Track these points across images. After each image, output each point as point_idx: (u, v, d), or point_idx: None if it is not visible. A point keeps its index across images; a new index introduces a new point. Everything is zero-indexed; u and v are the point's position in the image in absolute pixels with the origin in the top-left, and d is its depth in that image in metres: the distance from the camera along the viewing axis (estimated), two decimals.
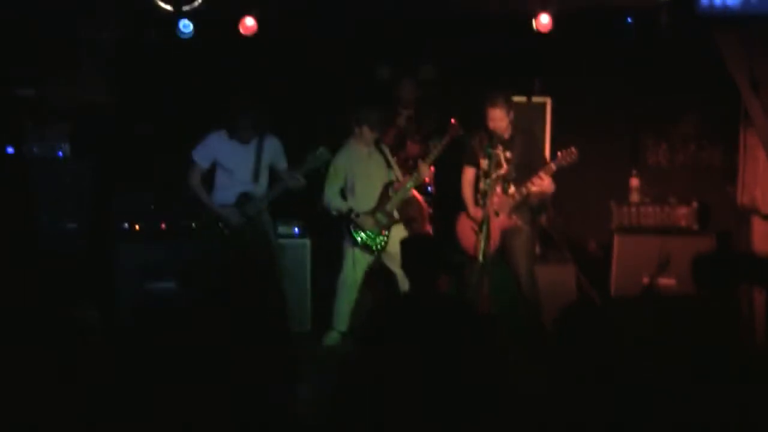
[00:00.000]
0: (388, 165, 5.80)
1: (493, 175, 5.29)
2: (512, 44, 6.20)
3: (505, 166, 5.38)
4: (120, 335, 3.08)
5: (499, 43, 6.25)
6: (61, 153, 6.11)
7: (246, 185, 5.43)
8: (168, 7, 5.47)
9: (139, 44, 6.15)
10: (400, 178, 5.83)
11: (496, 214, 5.35)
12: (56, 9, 5.66)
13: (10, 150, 6.06)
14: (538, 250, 6.02)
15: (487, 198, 5.21)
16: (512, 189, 5.39)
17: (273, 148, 5.50)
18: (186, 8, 5.47)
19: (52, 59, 6.13)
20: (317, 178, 5.66)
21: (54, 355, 2.97)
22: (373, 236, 5.72)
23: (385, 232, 5.72)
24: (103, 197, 6.08)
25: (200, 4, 5.45)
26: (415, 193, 6.13)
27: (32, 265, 5.71)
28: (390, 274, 5.78)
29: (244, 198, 5.43)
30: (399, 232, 5.73)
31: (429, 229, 6.29)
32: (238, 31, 5.81)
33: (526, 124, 5.65)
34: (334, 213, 5.74)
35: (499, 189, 5.38)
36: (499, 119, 5.33)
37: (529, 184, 5.30)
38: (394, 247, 5.42)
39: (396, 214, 5.79)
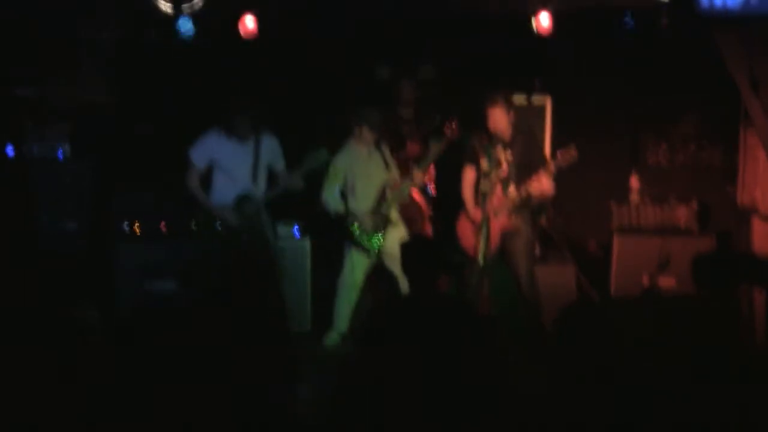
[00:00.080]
0: (387, 166, 5.80)
1: (493, 176, 5.30)
2: (512, 44, 6.20)
3: (505, 166, 5.38)
4: (120, 335, 3.07)
5: (498, 43, 6.25)
6: (61, 153, 6.12)
7: (245, 185, 5.42)
8: (168, 8, 5.46)
9: (139, 44, 6.15)
10: (398, 179, 5.83)
11: (496, 214, 5.35)
12: (56, 9, 5.65)
13: (10, 150, 6.06)
14: (538, 250, 6.02)
15: (487, 198, 5.21)
16: (512, 189, 5.39)
17: (271, 148, 5.49)
18: (186, 8, 5.47)
19: (52, 59, 6.14)
20: (317, 179, 5.66)
21: (54, 355, 2.97)
22: (368, 237, 5.71)
23: (381, 233, 5.72)
24: (103, 197, 6.08)
25: (200, 4, 5.45)
26: (415, 193, 6.13)
27: (32, 265, 5.72)
28: (390, 275, 5.78)
29: (243, 198, 5.42)
30: (399, 233, 5.73)
31: (429, 229, 6.29)
32: (238, 31, 5.81)
33: (526, 125, 5.65)
34: (332, 214, 5.74)
35: (499, 189, 5.38)
36: (499, 119, 5.33)
37: (528, 185, 5.30)
38: (394, 248, 5.42)
39: (393, 216, 5.79)
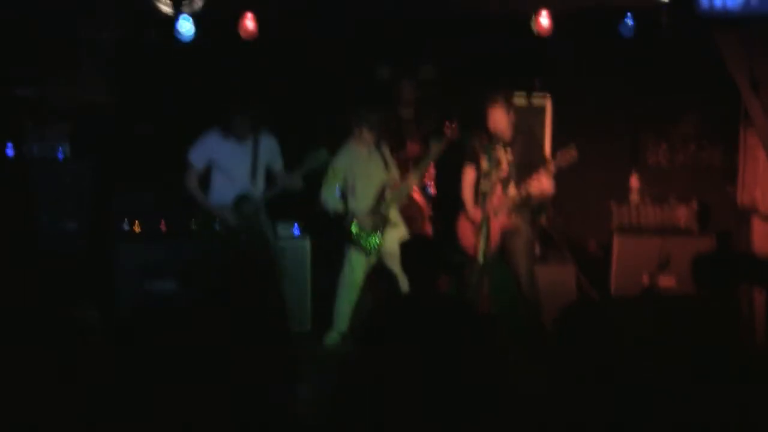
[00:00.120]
0: (387, 166, 5.80)
1: (494, 176, 5.30)
2: (512, 44, 6.20)
3: (505, 166, 5.38)
4: (120, 335, 3.07)
5: (499, 43, 6.25)
6: (61, 153, 6.11)
7: (244, 185, 5.41)
8: (168, 8, 5.46)
9: (139, 44, 6.15)
10: (398, 179, 5.83)
11: (496, 214, 5.35)
12: (56, 9, 5.66)
13: (10, 150, 6.07)
14: (538, 250, 6.02)
15: (487, 198, 5.21)
16: (512, 189, 5.39)
17: (269, 148, 5.48)
18: (186, 8, 5.47)
19: (52, 59, 6.13)
20: (317, 179, 5.66)
21: (54, 355, 2.97)
22: (367, 237, 5.71)
23: (379, 234, 5.72)
24: (103, 197, 6.09)
25: (200, 4, 5.45)
26: (416, 193, 6.13)
27: (32, 265, 5.71)
28: (390, 275, 5.78)
29: (242, 198, 5.41)
30: (399, 233, 5.73)
31: (429, 229, 6.29)
32: (238, 31, 5.81)
33: (526, 125, 5.65)
34: (331, 213, 5.74)
35: (499, 189, 5.38)
36: (499, 119, 5.33)
37: (528, 185, 5.30)
38: (394, 248, 5.42)
39: (393, 215, 5.79)
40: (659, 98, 6.53)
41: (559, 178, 5.32)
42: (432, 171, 6.41)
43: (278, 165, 5.53)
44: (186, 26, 5.61)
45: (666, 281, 6.10)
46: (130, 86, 6.38)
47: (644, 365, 3.02)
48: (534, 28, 5.76)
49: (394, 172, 5.86)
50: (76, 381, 2.86)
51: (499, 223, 5.37)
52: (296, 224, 6.05)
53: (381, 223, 5.72)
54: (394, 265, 5.64)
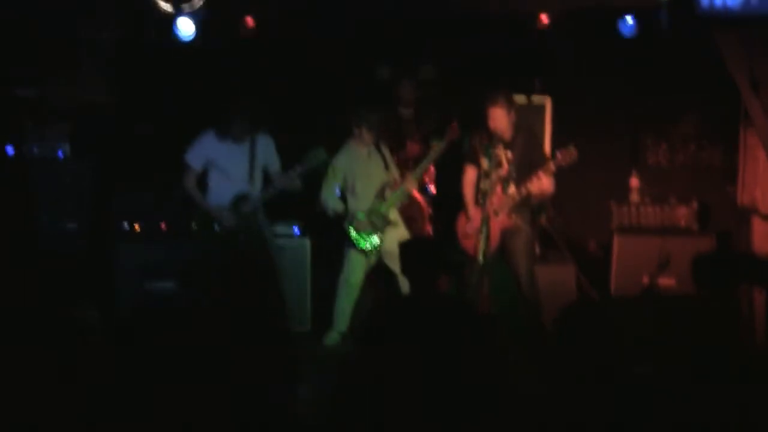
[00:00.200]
0: (386, 166, 5.80)
1: (494, 175, 5.29)
2: (512, 44, 6.21)
3: (505, 165, 5.38)
4: (120, 335, 3.07)
5: (499, 43, 6.25)
6: (61, 153, 6.11)
7: (242, 185, 5.41)
8: (168, 8, 5.46)
9: (139, 44, 6.15)
10: (398, 179, 5.83)
11: (496, 213, 5.34)
12: (56, 9, 5.66)
13: (10, 150, 6.06)
14: (538, 250, 6.02)
15: (487, 198, 5.20)
16: (512, 189, 5.39)
17: (267, 148, 5.48)
18: (186, 8, 5.47)
19: (52, 59, 6.13)
20: (317, 178, 5.66)
21: (54, 355, 2.97)
22: (367, 237, 5.71)
23: (380, 234, 5.72)
24: (103, 197, 6.08)
25: (200, 4, 5.45)
26: (416, 193, 6.13)
27: (32, 265, 5.71)
28: (391, 274, 5.78)
29: (241, 198, 5.42)
30: (399, 233, 5.73)
31: (429, 229, 6.29)
32: (238, 31, 5.81)
33: (526, 124, 5.65)
34: (331, 213, 5.74)
35: (499, 189, 5.38)
36: (499, 119, 5.33)
37: (529, 184, 5.30)
38: (394, 248, 5.42)
39: (392, 216, 5.79)
40: (659, 98, 6.52)
41: (559, 178, 5.32)
42: (432, 171, 6.41)
43: (275, 165, 5.52)
44: (186, 26, 5.61)
45: (666, 281, 6.09)
46: (130, 86, 6.39)
47: (644, 365, 3.02)
48: (539, 22, 5.77)
49: (394, 172, 5.85)
50: (76, 381, 2.85)
51: (499, 223, 5.37)
52: (296, 224, 6.05)
53: (381, 223, 5.72)
54: (394, 265, 5.64)
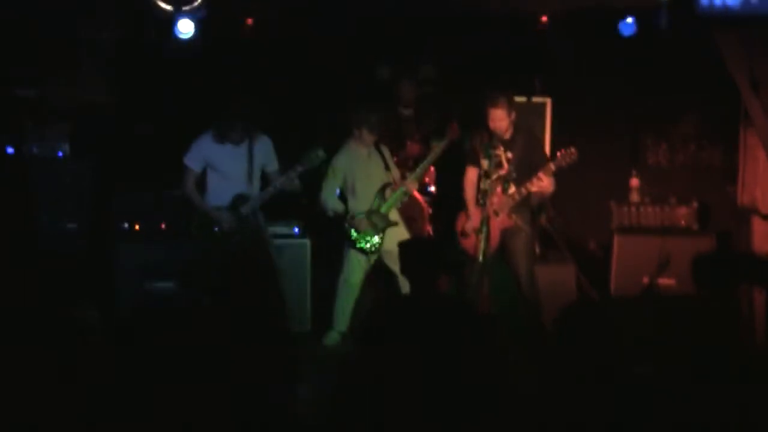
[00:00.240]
0: (386, 166, 5.80)
1: (494, 175, 5.29)
2: (513, 43, 6.21)
3: (505, 166, 5.37)
4: (120, 335, 3.07)
5: (499, 41, 6.25)
6: (61, 153, 6.11)
7: (240, 186, 5.41)
8: (168, 7, 5.46)
9: (139, 44, 6.15)
10: (398, 179, 5.82)
11: (496, 213, 5.34)
12: (56, 9, 5.66)
13: (10, 150, 6.06)
14: (538, 250, 6.02)
15: (487, 197, 5.21)
16: (512, 189, 5.38)
17: (265, 149, 5.47)
18: (186, 8, 5.47)
19: (52, 59, 6.13)
20: (316, 178, 5.65)
21: (54, 355, 2.97)
22: (367, 238, 5.71)
23: (380, 234, 5.72)
24: (103, 197, 6.08)
25: (200, 4, 5.45)
26: (416, 193, 6.13)
27: (32, 265, 5.71)
28: (391, 274, 5.78)
29: (240, 199, 5.41)
30: (399, 233, 5.72)
31: (429, 229, 6.29)
32: (238, 31, 5.81)
33: (526, 124, 5.65)
34: (330, 213, 5.74)
35: (499, 189, 5.38)
36: (500, 119, 5.33)
37: (529, 184, 5.30)
38: (395, 248, 5.42)
39: (393, 216, 5.79)
40: (659, 98, 6.53)
41: (559, 178, 5.32)
42: (432, 171, 6.41)
43: (273, 166, 5.52)
44: (186, 26, 5.60)
45: (666, 281, 6.09)
46: (130, 86, 6.38)
47: (644, 365, 3.02)
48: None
49: (394, 173, 5.85)
50: (76, 381, 2.85)
51: (499, 223, 5.37)
52: (296, 224, 6.05)
53: (381, 223, 5.72)
54: (394, 265, 5.63)
